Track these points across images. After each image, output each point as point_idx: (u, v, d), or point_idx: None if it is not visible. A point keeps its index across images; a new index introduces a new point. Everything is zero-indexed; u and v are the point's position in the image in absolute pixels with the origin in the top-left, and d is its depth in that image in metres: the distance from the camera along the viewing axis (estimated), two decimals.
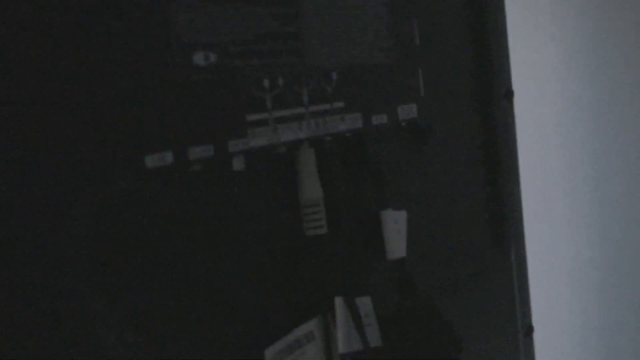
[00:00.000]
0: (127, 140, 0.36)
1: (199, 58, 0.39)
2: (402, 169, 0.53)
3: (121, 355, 0.35)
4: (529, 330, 0.67)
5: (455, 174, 0.58)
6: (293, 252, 0.45)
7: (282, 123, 0.43)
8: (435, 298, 0.54)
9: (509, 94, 0.63)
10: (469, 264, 0.60)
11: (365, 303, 0.48)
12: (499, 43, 0.61)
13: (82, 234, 0.34)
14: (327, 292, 0.46)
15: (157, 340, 0.37)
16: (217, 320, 0.41)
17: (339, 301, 0.46)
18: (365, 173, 0.50)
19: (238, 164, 0.41)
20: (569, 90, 1.03)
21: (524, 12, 0.96)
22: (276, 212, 0.44)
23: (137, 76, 0.36)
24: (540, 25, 1.02)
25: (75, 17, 0.33)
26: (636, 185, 1.05)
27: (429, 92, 0.54)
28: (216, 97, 0.40)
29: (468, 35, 0.59)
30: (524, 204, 0.65)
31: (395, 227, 0.50)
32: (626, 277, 1.06)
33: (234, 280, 0.42)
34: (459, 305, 0.58)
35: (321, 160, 0.46)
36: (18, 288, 0.31)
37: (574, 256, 1.08)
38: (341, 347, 0.45)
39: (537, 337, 0.68)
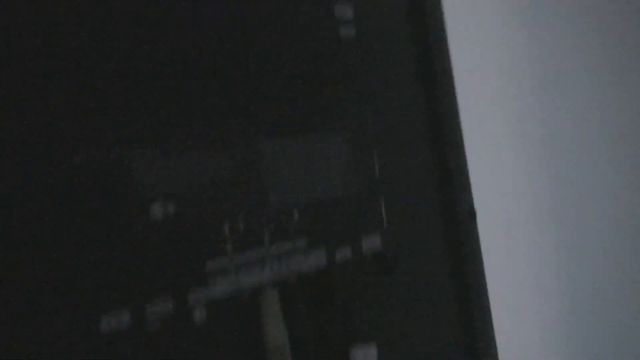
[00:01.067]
0: (80, 300, 0.34)
1: (156, 210, 0.38)
2: (369, 301, 0.52)
3: None
4: None
5: (424, 300, 0.57)
6: None
7: (244, 267, 0.42)
8: None
9: (472, 214, 0.63)
10: None
11: None
12: (458, 164, 0.62)
13: None
14: None
15: None
16: None
17: None
18: (331, 310, 0.48)
19: (199, 316, 0.39)
20: (531, 200, 1.05)
21: (482, 129, 0.99)
22: None
23: (90, 231, 0.35)
24: (498, 141, 1.05)
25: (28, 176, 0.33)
26: (608, 286, 1.05)
27: (391, 219, 0.54)
28: (175, 248, 0.39)
29: (427, 160, 0.60)
30: (495, 325, 0.64)
31: None
32: None
33: None
34: None
35: (285, 301, 0.45)
36: None
37: None
38: None
39: None
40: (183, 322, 0.39)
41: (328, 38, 0.51)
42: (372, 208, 0.52)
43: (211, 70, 0.42)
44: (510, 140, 1.04)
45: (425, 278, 0.57)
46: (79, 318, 0.34)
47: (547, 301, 1.04)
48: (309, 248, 0.47)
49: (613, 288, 1.04)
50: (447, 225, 0.61)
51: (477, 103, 0.94)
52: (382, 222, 0.53)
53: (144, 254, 0.37)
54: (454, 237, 0.61)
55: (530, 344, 1.03)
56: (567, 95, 1.04)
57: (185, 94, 0.41)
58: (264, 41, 0.46)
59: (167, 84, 0.40)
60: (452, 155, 0.61)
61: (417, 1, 0.57)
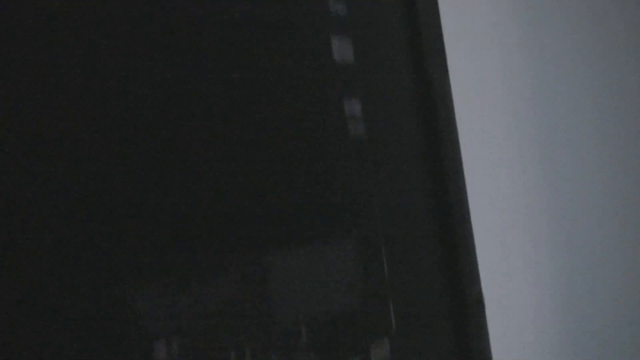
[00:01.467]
0: None
1: (159, 348, 0.36)
2: None
3: None
4: None
5: None
6: None
7: None
8: None
9: (480, 302, 0.61)
10: None
11: None
12: (467, 256, 0.60)
13: None
14: None
15: None
16: None
17: None
18: None
19: None
20: (528, 203, 1.02)
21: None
22: None
23: None
24: (496, 142, 1.03)
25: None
26: None
27: (400, 321, 0.52)
28: None
29: (436, 253, 0.58)
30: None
31: None
32: None
33: None
34: None
35: None
36: None
37: None
38: None
39: None
40: None
41: (336, 136, 0.50)
42: (380, 312, 0.51)
43: (208, 192, 0.41)
44: (508, 144, 1.01)
45: None
46: None
47: (544, 305, 1.02)
48: None
49: (609, 292, 1.02)
50: (456, 315, 0.59)
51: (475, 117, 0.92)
52: (390, 325, 0.51)
53: None
54: (462, 328, 0.59)
55: (525, 345, 1.01)
56: (564, 98, 1.02)
57: (183, 222, 0.39)
58: (266, 146, 0.44)
59: (164, 219, 0.38)
60: (462, 248, 0.59)
61: (429, 105, 0.56)
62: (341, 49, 0.51)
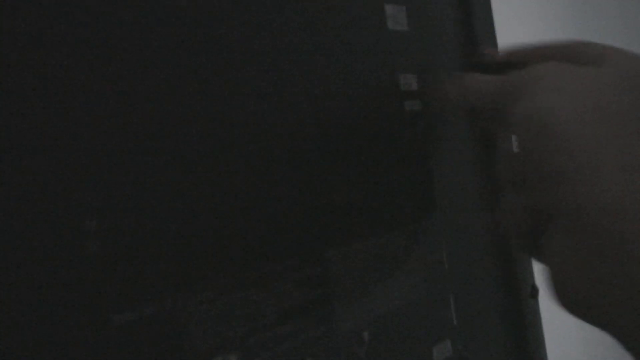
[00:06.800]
0: None
1: None
2: None
3: None
4: None
5: None
6: None
7: None
8: None
9: (535, 291, 0.57)
10: None
11: None
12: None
13: None
14: None
15: None
16: None
17: None
18: None
19: None
20: None
21: None
22: None
23: None
24: None
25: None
26: None
27: (460, 316, 0.48)
28: None
29: (489, 243, 0.53)
30: None
31: None
32: None
33: None
34: None
35: None
36: None
37: None
38: None
39: None
40: None
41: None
42: (441, 307, 0.46)
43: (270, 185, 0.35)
44: None
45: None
46: None
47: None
48: None
49: None
50: (510, 304, 0.55)
51: None
52: (452, 322, 0.47)
53: None
54: (516, 316, 0.55)
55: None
56: None
57: (239, 221, 0.33)
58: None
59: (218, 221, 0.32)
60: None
61: None
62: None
